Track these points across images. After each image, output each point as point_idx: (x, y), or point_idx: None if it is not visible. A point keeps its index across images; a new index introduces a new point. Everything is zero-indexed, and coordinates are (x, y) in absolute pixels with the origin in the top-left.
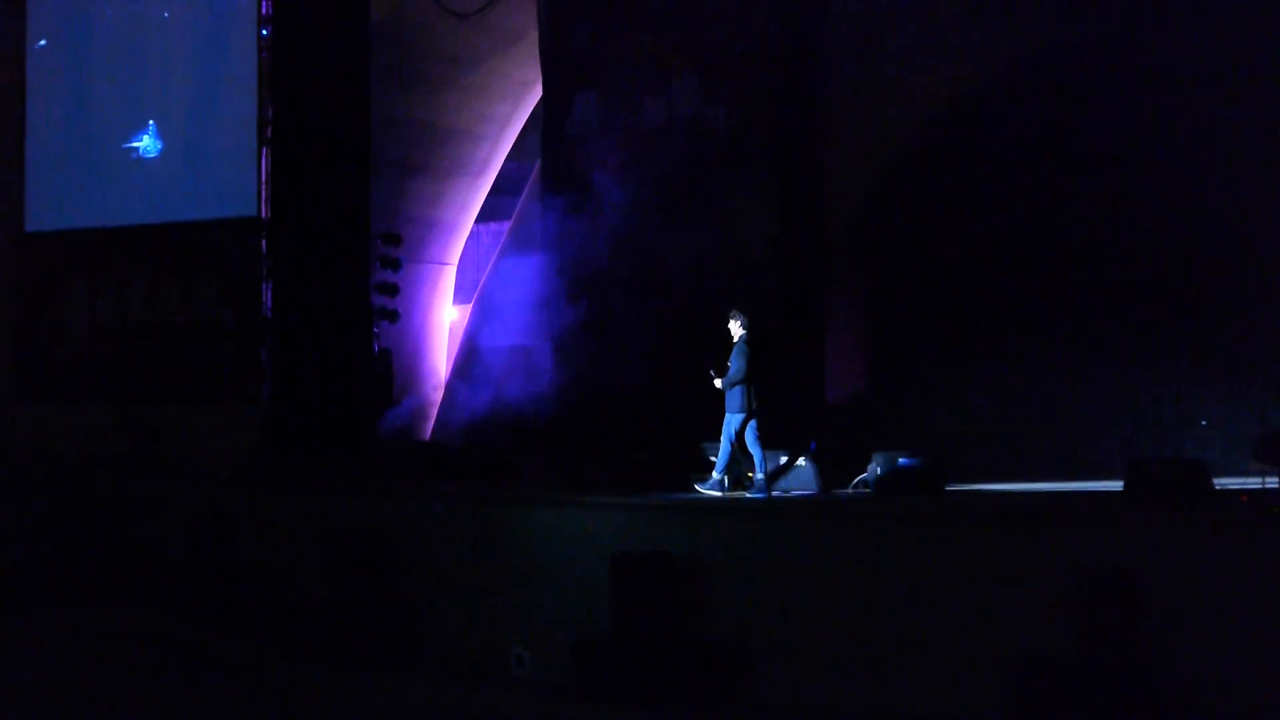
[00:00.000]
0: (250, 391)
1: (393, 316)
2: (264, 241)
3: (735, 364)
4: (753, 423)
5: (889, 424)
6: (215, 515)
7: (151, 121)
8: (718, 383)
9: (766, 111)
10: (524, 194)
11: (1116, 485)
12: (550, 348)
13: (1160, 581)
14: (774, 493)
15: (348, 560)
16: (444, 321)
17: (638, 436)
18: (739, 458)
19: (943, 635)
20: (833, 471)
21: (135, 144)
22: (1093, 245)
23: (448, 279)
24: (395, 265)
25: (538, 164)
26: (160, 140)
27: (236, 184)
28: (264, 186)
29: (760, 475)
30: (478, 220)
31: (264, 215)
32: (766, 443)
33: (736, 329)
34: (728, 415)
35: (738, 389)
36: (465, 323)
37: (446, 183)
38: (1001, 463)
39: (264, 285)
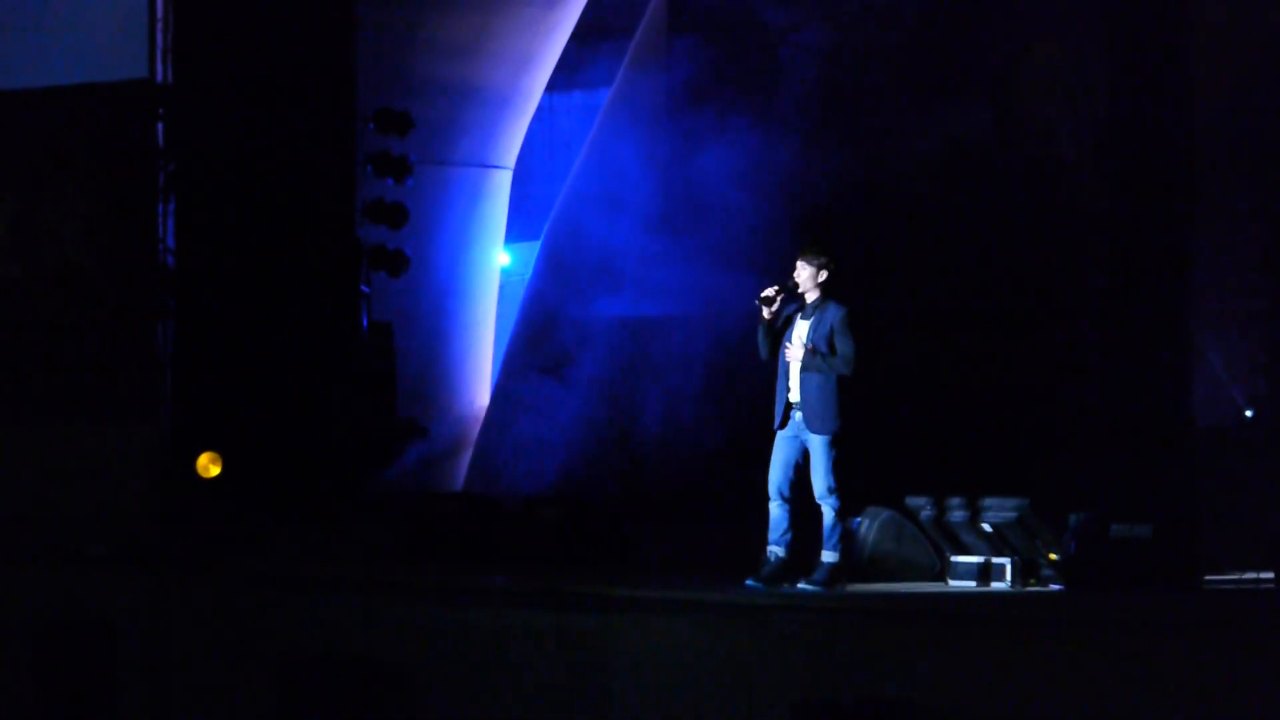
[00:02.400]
0: (139, 400)
1: (396, 264)
2: (161, 128)
3: (838, 337)
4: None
5: None
6: (76, 625)
7: None
8: (796, 346)
9: None
10: (639, 34)
11: None
12: (703, 321)
13: None
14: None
15: (321, 710)
16: (492, 273)
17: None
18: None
19: None
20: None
21: None
22: None
23: (498, 194)
24: (401, 171)
25: None
26: None
27: (111, 22)
28: (161, 28)
29: (832, 553)
30: (550, 89)
31: (162, 78)
32: None
33: (811, 277)
34: (814, 439)
35: (829, 389)
36: (531, 276)
37: (495, 14)
38: None
39: (162, 208)
